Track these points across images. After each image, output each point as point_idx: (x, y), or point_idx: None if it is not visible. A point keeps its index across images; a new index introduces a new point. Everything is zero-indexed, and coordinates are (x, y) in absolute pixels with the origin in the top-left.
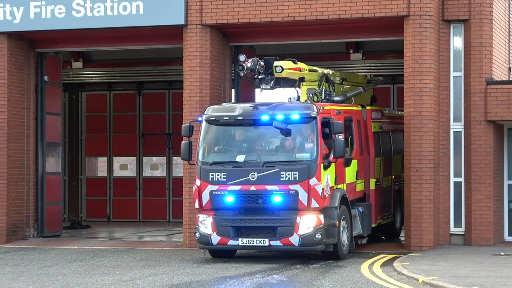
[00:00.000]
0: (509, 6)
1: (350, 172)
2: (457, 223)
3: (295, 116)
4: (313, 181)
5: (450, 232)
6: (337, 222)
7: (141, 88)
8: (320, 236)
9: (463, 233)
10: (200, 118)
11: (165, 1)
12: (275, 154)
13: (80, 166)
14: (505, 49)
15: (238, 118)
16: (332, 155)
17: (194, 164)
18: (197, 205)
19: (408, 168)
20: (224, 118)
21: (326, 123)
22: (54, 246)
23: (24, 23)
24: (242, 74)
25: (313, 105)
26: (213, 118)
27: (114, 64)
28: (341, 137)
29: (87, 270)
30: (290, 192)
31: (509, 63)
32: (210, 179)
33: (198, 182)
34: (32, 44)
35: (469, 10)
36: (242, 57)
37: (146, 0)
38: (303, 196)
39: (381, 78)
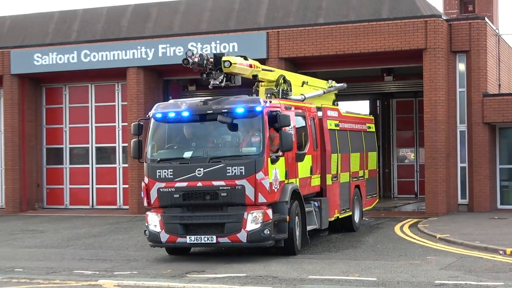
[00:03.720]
0: (498, 40)
1: (304, 167)
2: (463, 196)
3: (240, 110)
4: (259, 175)
5: (458, 203)
6: (287, 217)
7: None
8: (268, 232)
9: (467, 203)
10: (149, 114)
11: (252, 42)
12: (222, 149)
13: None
14: (496, 71)
15: (184, 113)
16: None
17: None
18: (145, 203)
19: (428, 157)
20: (170, 114)
21: (273, 117)
22: None
23: (155, 59)
24: (190, 66)
25: (259, 98)
26: (160, 115)
27: None
28: (289, 130)
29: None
30: (236, 187)
31: (499, 81)
32: (157, 177)
33: (146, 179)
34: (160, 74)
35: (469, 44)
36: (189, 52)
37: (239, 42)
38: (250, 191)
39: (343, 84)
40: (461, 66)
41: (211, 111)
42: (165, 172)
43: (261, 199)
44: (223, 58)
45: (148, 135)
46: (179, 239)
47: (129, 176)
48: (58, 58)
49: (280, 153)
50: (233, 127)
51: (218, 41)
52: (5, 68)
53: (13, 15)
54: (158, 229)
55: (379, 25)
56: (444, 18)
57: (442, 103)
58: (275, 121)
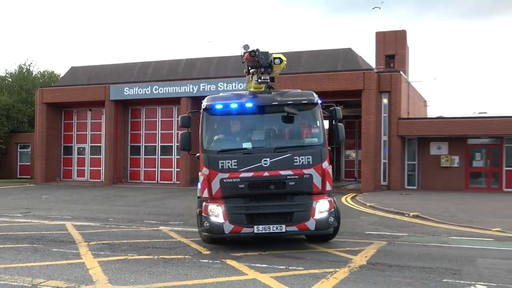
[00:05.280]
0: (408, 85)
1: None
2: (384, 180)
3: (305, 101)
4: (325, 164)
5: (381, 184)
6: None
7: None
8: (332, 220)
9: (386, 184)
10: (203, 106)
11: None
12: (284, 140)
13: None
14: (406, 104)
15: (247, 104)
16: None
17: (194, 154)
18: (206, 194)
19: (363, 156)
20: (232, 105)
21: (328, 110)
22: None
23: (198, 92)
24: (256, 59)
25: (312, 92)
26: (220, 106)
27: None
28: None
29: None
30: (304, 176)
31: (408, 110)
32: (220, 167)
33: (206, 170)
34: (200, 101)
35: (390, 87)
36: (246, 47)
37: None
38: (317, 179)
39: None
40: (385, 101)
41: (276, 103)
42: (228, 162)
43: (328, 187)
44: (274, 55)
45: (202, 127)
46: (244, 229)
47: (180, 163)
48: (139, 91)
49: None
50: (296, 118)
51: (237, 82)
52: (106, 96)
53: (112, 63)
54: (221, 219)
55: (336, 74)
56: (375, 71)
57: (373, 123)
58: (330, 114)
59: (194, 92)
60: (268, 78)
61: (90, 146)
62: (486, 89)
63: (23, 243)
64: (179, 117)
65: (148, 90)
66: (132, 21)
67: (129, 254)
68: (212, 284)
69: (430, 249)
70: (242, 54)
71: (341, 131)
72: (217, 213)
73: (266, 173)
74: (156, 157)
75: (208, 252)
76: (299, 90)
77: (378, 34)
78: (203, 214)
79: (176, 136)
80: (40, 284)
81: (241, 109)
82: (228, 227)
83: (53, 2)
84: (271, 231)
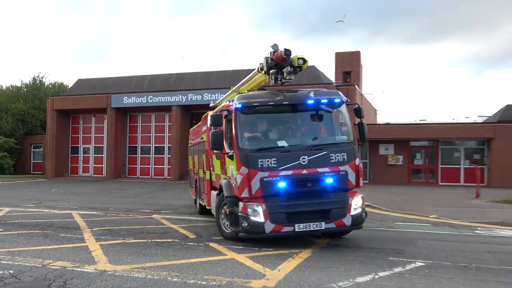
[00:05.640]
0: (362, 96)
1: None
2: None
3: (337, 100)
4: (357, 161)
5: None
6: None
7: None
8: (365, 215)
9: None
10: (238, 105)
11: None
12: (317, 138)
13: None
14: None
15: (284, 103)
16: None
17: (227, 153)
18: (245, 194)
19: None
20: (270, 103)
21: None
22: None
23: (186, 102)
24: (275, 55)
25: (338, 91)
26: (256, 104)
27: None
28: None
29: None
30: (340, 173)
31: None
32: (259, 166)
33: (245, 170)
34: (188, 109)
35: (347, 98)
36: (275, 46)
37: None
38: (351, 176)
39: None
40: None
41: (312, 101)
42: (268, 161)
43: (361, 183)
44: (298, 55)
45: (236, 126)
46: (285, 228)
47: (171, 161)
48: (136, 100)
49: None
50: (327, 116)
51: (219, 92)
52: (108, 104)
53: (113, 76)
54: (261, 219)
55: (302, 87)
56: (335, 84)
57: None
58: (355, 112)
59: (183, 101)
60: (293, 78)
61: (94, 146)
62: (425, 100)
63: (35, 230)
64: (210, 115)
65: (144, 99)
66: (124, 39)
67: (127, 238)
68: (197, 263)
69: (379, 233)
70: (271, 52)
71: (365, 129)
72: (258, 212)
73: (304, 171)
74: (151, 156)
75: (193, 236)
76: (325, 89)
77: (337, 54)
78: (240, 214)
79: (168, 139)
80: (49, 264)
81: (276, 107)
82: (269, 227)
83: (64, 26)
84: (311, 228)
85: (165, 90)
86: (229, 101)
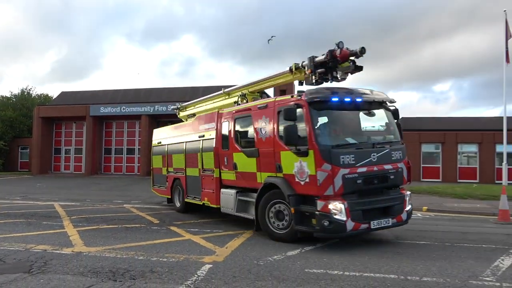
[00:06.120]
0: None
1: None
2: None
3: (392, 101)
4: (407, 158)
5: None
6: None
7: None
8: (412, 210)
9: None
10: (317, 98)
11: None
12: (375, 136)
13: None
14: None
15: (357, 100)
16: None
17: (299, 150)
18: (329, 192)
19: None
20: (346, 99)
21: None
22: None
23: (154, 111)
24: (341, 52)
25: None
26: (336, 99)
27: None
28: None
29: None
30: (398, 170)
31: None
32: (341, 163)
33: (327, 166)
34: (155, 118)
35: None
36: (341, 44)
37: None
38: (405, 173)
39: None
40: None
41: (381, 100)
42: (348, 158)
43: (410, 179)
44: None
45: (310, 121)
46: (362, 226)
47: (140, 160)
48: (111, 109)
49: None
50: (379, 115)
51: (181, 103)
52: (87, 113)
53: (91, 90)
54: (343, 217)
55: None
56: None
57: None
58: (393, 114)
59: (151, 111)
60: (346, 77)
61: (74, 148)
62: None
63: (20, 218)
64: (283, 109)
65: (118, 109)
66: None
67: (100, 225)
68: (160, 243)
69: None
70: (337, 48)
71: (401, 129)
72: (339, 211)
73: (375, 168)
74: (123, 156)
75: (157, 222)
76: (375, 90)
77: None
78: (321, 212)
79: (138, 142)
80: (31, 248)
81: (349, 103)
82: (350, 225)
83: (49, 46)
84: (383, 225)
85: (136, 101)
86: (291, 96)
